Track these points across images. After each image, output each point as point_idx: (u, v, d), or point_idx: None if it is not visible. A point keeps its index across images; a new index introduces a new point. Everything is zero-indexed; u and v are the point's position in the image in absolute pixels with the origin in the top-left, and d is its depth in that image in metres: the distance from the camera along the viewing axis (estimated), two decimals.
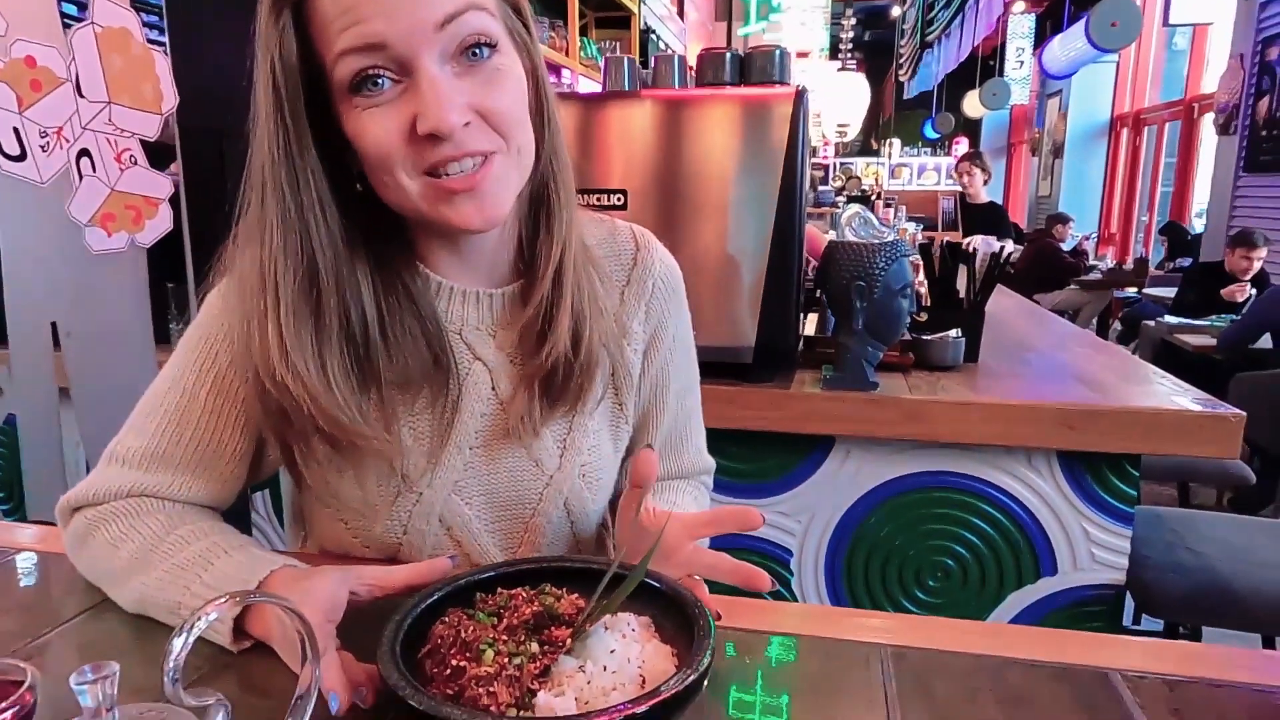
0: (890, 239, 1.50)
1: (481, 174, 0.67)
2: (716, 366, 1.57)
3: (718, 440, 1.58)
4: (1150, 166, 9.40)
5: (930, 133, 13.99)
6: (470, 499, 0.80)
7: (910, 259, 1.58)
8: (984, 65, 10.72)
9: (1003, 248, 1.82)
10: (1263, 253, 4.67)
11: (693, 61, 1.72)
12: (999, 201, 6.17)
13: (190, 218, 1.65)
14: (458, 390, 0.77)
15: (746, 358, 1.57)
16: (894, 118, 15.82)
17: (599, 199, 1.57)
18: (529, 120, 0.71)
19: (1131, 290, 6.79)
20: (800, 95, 1.51)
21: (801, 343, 1.77)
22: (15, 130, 1.35)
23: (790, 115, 1.50)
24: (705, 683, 0.51)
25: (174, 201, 1.63)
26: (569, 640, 0.55)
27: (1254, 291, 4.60)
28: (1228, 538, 1.69)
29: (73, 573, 0.77)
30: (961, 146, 13.32)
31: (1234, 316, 4.29)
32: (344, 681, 0.54)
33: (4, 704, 0.48)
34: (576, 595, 0.59)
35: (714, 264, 1.56)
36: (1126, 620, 2.05)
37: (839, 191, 6.75)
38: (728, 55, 1.58)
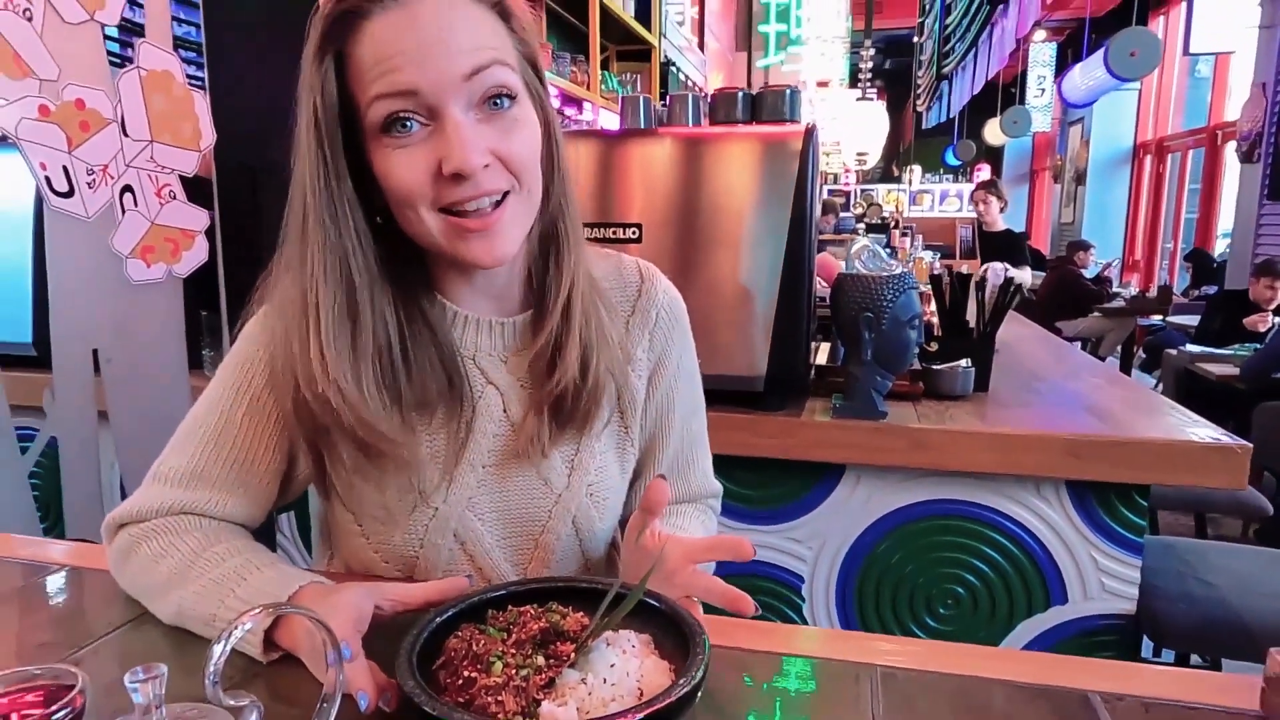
0: (899, 271, 1.54)
1: (496, 215, 0.74)
2: (729, 395, 1.61)
3: (730, 467, 1.63)
4: (1174, 194, 9.36)
5: (951, 160, 14.01)
6: (483, 515, 0.85)
7: (920, 290, 1.62)
8: (1005, 93, 10.76)
9: (1011, 279, 1.85)
10: None
11: (713, 91, 1.78)
12: (1018, 229, 6.17)
13: (224, 249, 1.73)
14: (471, 412, 0.83)
15: (758, 386, 1.61)
16: (915, 145, 15.86)
17: (616, 232, 1.63)
18: (540, 166, 0.78)
19: (1156, 318, 6.75)
20: (810, 132, 1.56)
21: (813, 372, 1.80)
22: (64, 168, 1.43)
23: (800, 151, 1.55)
24: (698, 695, 0.55)
25: (209, 234, 1.71)
26: (573, 654, 0.59)
27: (1278, 321, 4.57)
28: (1239, 568, 1.69)
29: (112, 587, 0.82)
30: (983, 173, 13.32)
31: (1258, 345, 4.26)
32: (372, 682, 0.59)
33: (58, 705, 0.53)
34: (581, 613, 0.63)
35: (727, 295, 1.60)
36: (1146, 652, 2.05)
37: (859, 219, 6.79)
38: (740, 94, 1.64)
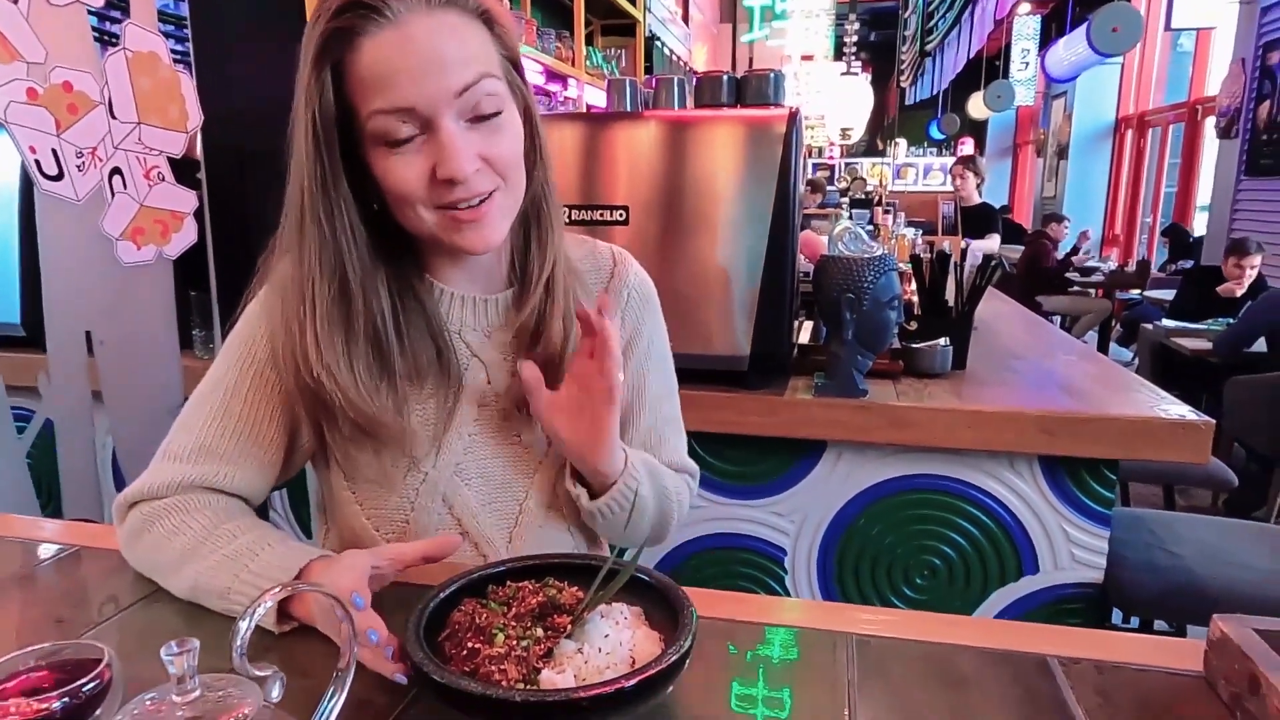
0: (879, 253, 1.58)
1: (485, 208, 0.81)
2: (714, 374, 1.65)
3: (715, 444, 1.68)
4: (1154, 169, 9.44)
5: (936, 133, 14.03)
6: (469, 480, 0.91)
7: (900, 270, 1.66)
8: (989, 66, 10.75)
9: (988, 258, 1.89)
10: (1256, 260, 4.73)
11: (697, 65, 1.80)
12: (995, 203, 6.21)
13: (213, 230, 1.74)
14: (458, 383, 0.89)
15: (742, 366, 1.65)
16: (899, 118, 15.85)
17: (603, 214, 1.65)
18: (523, 162, 0.84)
19: (1134, 292, 6.85)
20: (794, 116, 1.59)
21: (796, 350, 1.84)
22: (54, 151, 1.44)
23: (784, 134, 1.58)
24: (686, 663, 0.59)
25: (198, 215, 1.72)
26: (569, 626, 0.63)
27: (1247, 299, 4.66)
28: (1205, 539, 1.76)
29: (119, 566, 0.85)
30: (967, 147, 13.35)
31: (1231, 320, 4.35)
32: (382, 623, 0.65)
33: (86, 679, 0.56)
34: (576, 588, 0.67)
35: (712, 276, 1.64)
36: (1116, 618, 2.12)
37: (843, 193, 6.82)
38: (725, 78, 1.66)
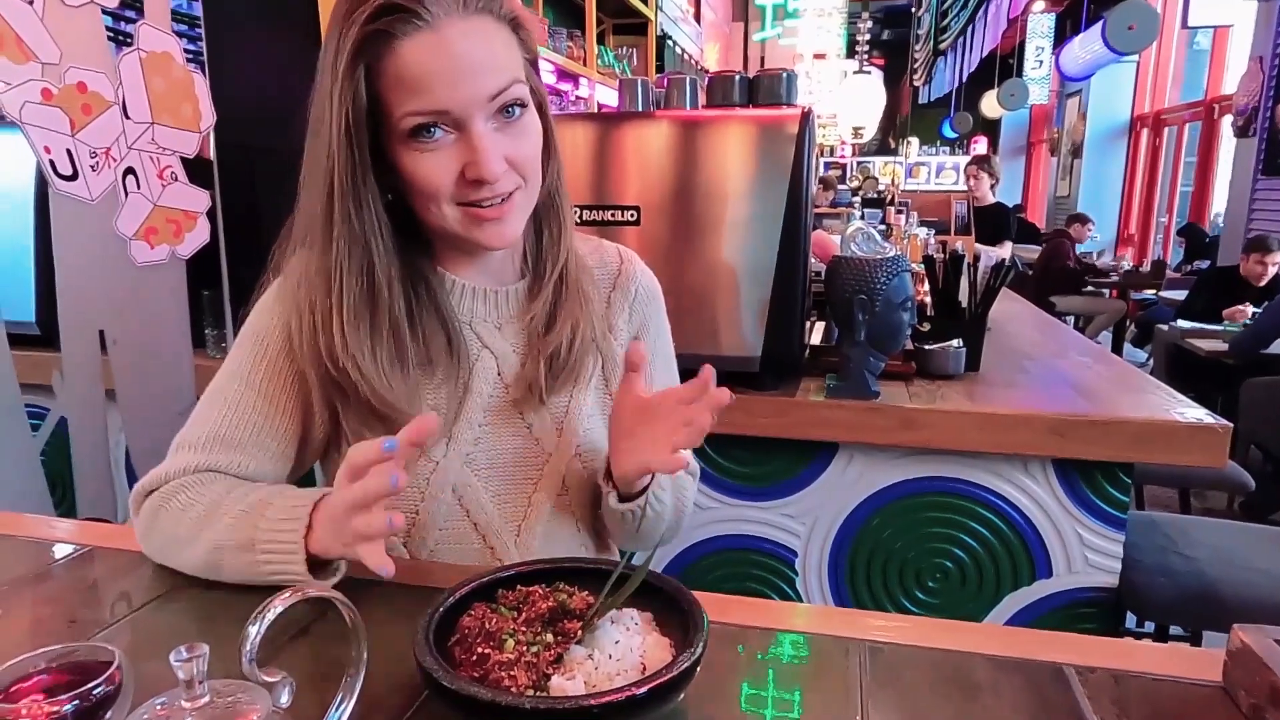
0: (892, 254, 1.57)
1: (506, 206, 0.83)
2: (725, 375, 1.63)
3: (726, 445, 1.67)
4: (1170, 168, 9.36)
5: (948, 132, 13.96)
6: (479, 470, 0.92)
7: (913, 270, 1.65)
8: (1003, 65, 10.68)
9: (1002, 261, 1.88)
10: (1277, 257, 4.67)
11: (709, 64, 1.79)
12: (1011, 202, 6.19)
13: (225, 229, 1.75)
14: (468, 373, 0.91)
15: (754, 367, 1.64)
16: (912, 117, 15.77)
17: (615, 214, 1.65)
18: (541, 161, 0.86)
19: (1149, 292, 6.79)
20: (806, 116, 1.58)
21: (807, 351, 1.83)
22: (68, 152, 1.44)
23: (796, 135, 1.57)
24: (698, 669, 0.59)
25: (210, 214, 1.73)
26: (579, 632, 0.63)
27: (1256, 312, 4.60)
28: (1219, 543, 1.74)
29: (133, 567, 0.86)
30: (980, 145, 13.27)
31: (1248, 321, 4.31)
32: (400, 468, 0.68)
33: (97, 681, 0.56)
34: (587, 593, 0.67)
35: (724, 277, 1.63)
36: (1130, 623, 2.10)
37: (855, 192, 6.78)
38: (737, 78, 1.65)
